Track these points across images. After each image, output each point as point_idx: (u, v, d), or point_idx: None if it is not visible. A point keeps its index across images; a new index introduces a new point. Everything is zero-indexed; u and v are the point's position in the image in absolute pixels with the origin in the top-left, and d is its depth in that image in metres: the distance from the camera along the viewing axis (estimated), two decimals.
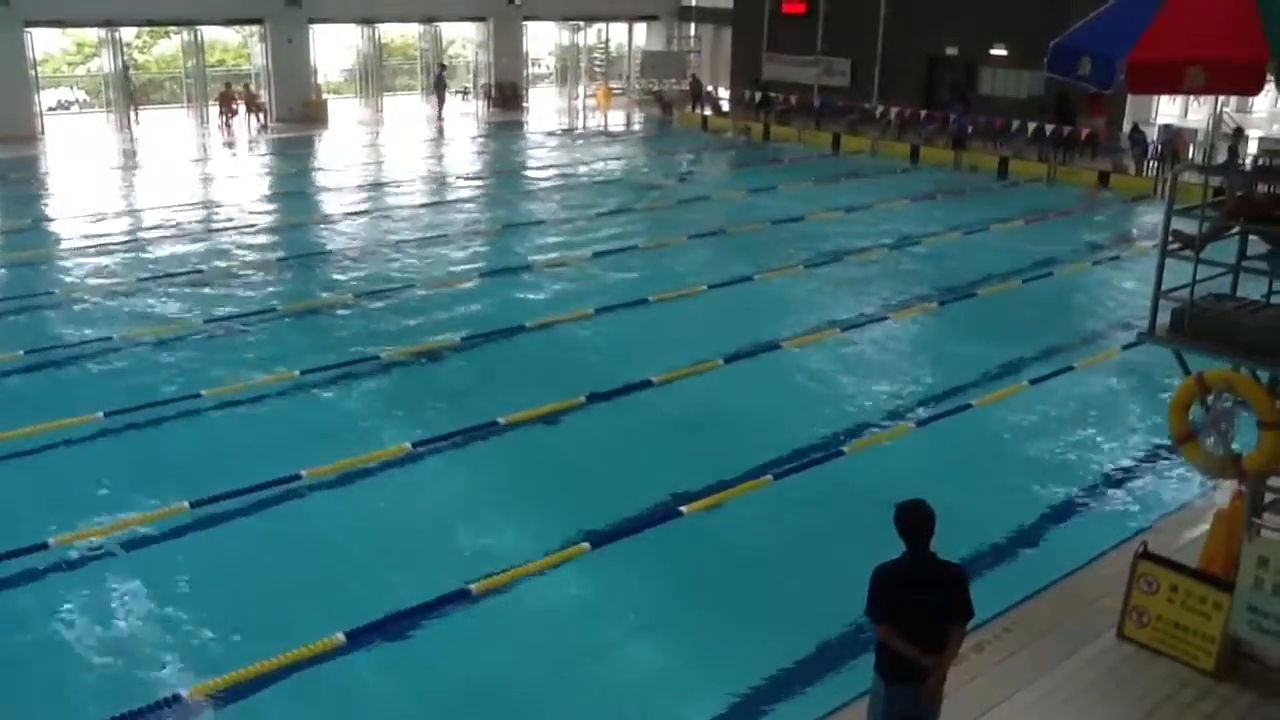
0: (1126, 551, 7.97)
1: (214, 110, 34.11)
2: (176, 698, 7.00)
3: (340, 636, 7.60)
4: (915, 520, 5.51)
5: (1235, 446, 7.12)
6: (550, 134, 35.40)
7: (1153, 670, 7.26)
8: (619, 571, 8.78)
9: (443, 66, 39.10)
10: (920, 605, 5.54)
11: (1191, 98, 34.33)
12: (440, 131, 35.41)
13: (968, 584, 5.65)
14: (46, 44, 35.20)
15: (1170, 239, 7.17)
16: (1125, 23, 6.39)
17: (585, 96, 43.00)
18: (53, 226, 21.14)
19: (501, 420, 11.45)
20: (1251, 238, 7.14)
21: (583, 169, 28.53)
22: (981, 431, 11.64)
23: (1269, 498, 7.42)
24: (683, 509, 9.63)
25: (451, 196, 25.00)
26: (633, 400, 12.29)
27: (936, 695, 5.78)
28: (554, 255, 18.94)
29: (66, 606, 8.13)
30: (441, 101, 37.97)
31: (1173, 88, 7.27)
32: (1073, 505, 9.99)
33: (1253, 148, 24.76)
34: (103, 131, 32.76)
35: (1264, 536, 6.86)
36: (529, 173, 28.38)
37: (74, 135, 31.93)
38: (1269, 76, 6.10)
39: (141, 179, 26.77)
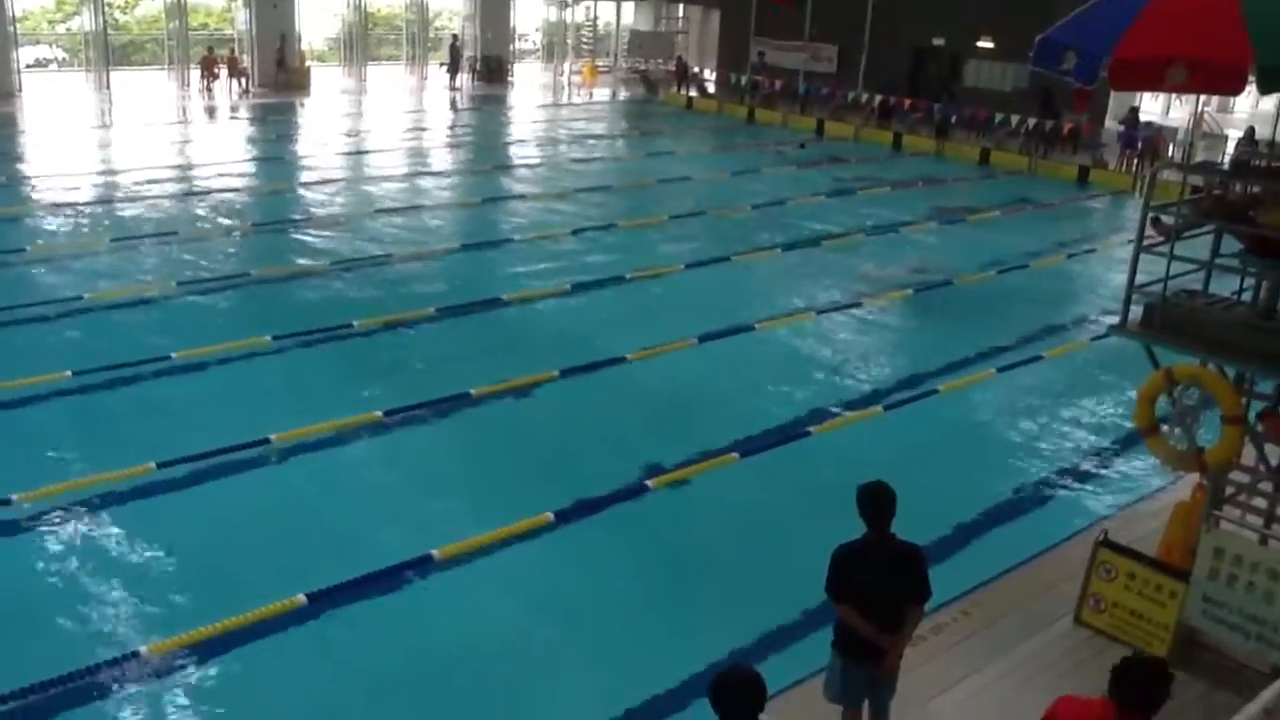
0: (1087, 539, 8.01)
1: (195, 73, 33.79)
2: (134, 654, 6.99)
3: (301, 598, 7.60)
4: (876, 501, 5.56)
5: (1199, 441, 7.20)
6: (535, 109, 35.26)
7: (1108, 656, 7.24)
8: (582, 543, 8.80)
9: (455, 37, 38.99)
10: (879, 585, 5.59)
11: (1174, 96, 34.57)
12: (453, 103, 35.34)
13: (926, 565, 5.70)
14: (26, 1, 34.77)
15: (1149, 226, 7.23)
16: (1110, 19, 6.41)
17: (571, 73, 42.84)
18: (27, 184, 20.93)
19: (473, 392, 11.43)
20: (1225, 236, 7.20)
21: (566, 145, 28.43)
22: (949, 417, 11.71)
23: (1228, 491, 7.52)
24: (649, 484, 9.66)
25: (431, 168, 24.89)
26: (605, 376, 12.29)
27: (893, 673, 5.85)
28: (533, 230, 18.90)
29: (29, 563, 8.09)
30: (455, 72, 37.80)
31: (1155, 85, 7.32)
32: (1036, 492, 10.09)
33: (1230, 148, 24.91)
34: (81, 90, 32.40)
35: (1222, 529, 6.94)
36: (512, 147, 28.28)
37: (52, 93, 31.57)
38: (1250, 78, 6.14)
39: (119, 139, 26.49)
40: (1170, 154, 25.46)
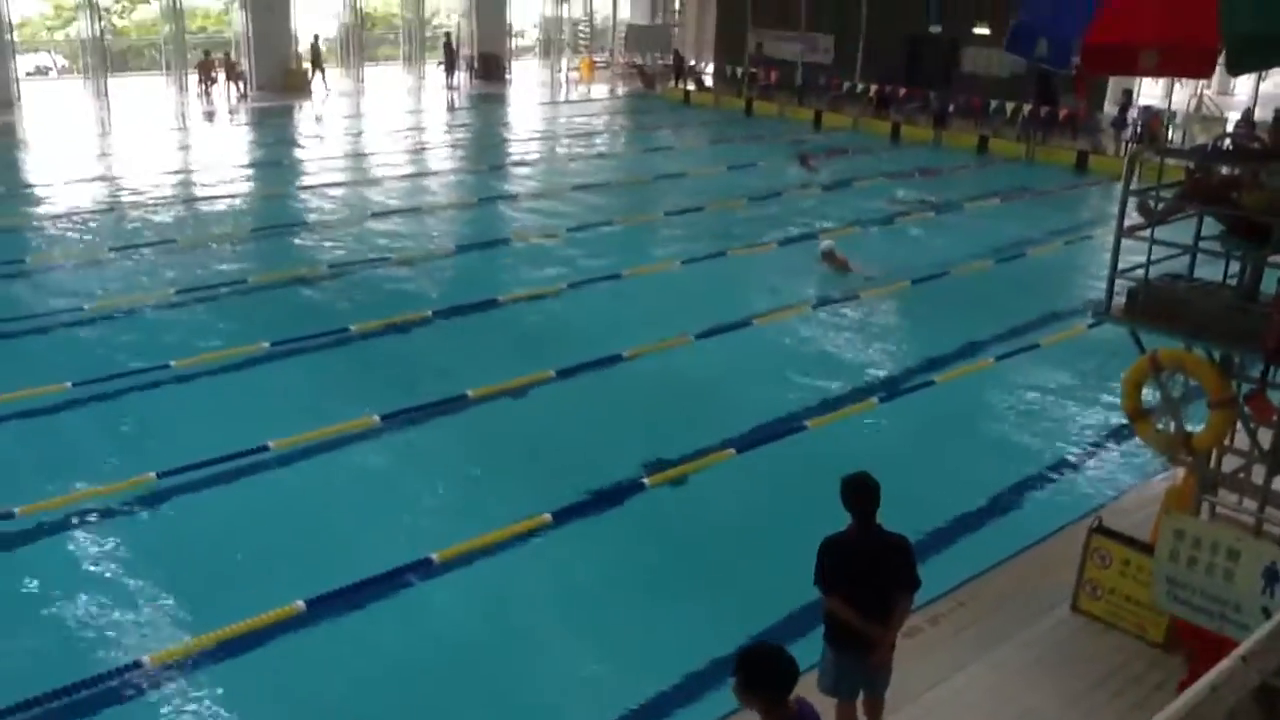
0: (1083, 527, 8.02)
1: (193, 78, 33.86)
2: (136, 664, 7.04)
3: (300, 605, 7.64)
4: (859, 493, 5.59)
5: (1187, 426, 7.21)
6: (533, 106, 35.28)
7: (1104, 642, 7.36)
8: (581, 543, 8.83)
9: (449, 35, 39.13)
10: (867, 576, 5.62)
11: (1177, 80, 34.38)
12: (450, 102, 35.37)
13: (913, 554, 5.73)
14: (24, 7, 34.87)
15: (1137, 211, 7.23)
16: (1079, 3, 6.41)
17: (568, 69, 42.83)
18: (26, 194, 20.99)
19: (470, 393, 11.46)
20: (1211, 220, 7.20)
21: (563, 143, 28.45)
22: (945, 408, 11.71)
23: (1225, 474, 7.52)
24: (645, 481, 9.70)
25: (429, 169, 24.92)
26: (602, 375, 12.32)
27: (885, 663, 5.88)
28: (529, 229, 18.93)
29: (31, 575, 8.14)
30: (451, 70, 37.88)
31: (1128, 69, 7.31)
32: (1032, 481, 10.08)
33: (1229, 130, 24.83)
34: (80, 97, 32.48)
35: (1175, 514, 6.81)
36: (509, 145, 28.30)
37: (51, 101, 31.66)
38: (1219, 62, 6.13)
39: (118, 147, 26.55)
40: (1168, 138, 25.41)
